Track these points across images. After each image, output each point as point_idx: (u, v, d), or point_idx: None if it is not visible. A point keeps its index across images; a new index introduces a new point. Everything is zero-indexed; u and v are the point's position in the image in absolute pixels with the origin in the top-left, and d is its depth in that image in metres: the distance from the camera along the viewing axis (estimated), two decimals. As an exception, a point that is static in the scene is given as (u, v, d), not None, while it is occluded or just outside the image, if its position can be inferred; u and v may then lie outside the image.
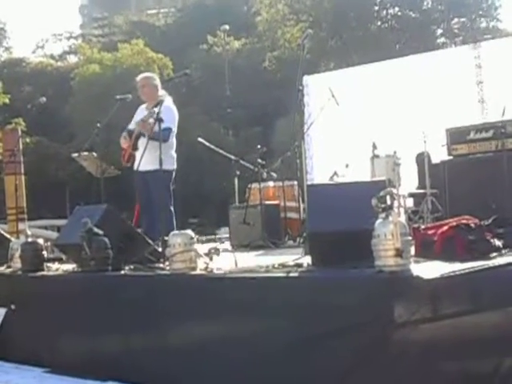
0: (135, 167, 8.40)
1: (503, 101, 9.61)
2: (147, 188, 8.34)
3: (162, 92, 8.62)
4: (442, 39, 41.36)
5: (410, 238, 4.60)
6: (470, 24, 39.43)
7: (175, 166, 8.40)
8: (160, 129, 7.35)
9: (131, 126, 8.64)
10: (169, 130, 7.93)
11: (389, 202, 4.55)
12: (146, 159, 7.63)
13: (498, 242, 5.40)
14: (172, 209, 8.17)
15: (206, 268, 5.66)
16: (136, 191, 8.72)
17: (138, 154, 8.40)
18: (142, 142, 8.32)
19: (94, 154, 8.66)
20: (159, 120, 7.33)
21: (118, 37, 50.92)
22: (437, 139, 9.50)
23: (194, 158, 27.43)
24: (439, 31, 41.70)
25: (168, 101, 8.35)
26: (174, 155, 8.38)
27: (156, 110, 7.64)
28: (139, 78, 8.79)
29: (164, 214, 7.46)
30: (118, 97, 8.58)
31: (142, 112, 8.62)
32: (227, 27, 37.89)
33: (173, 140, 8.29)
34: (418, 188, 10.56)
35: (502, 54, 13.44)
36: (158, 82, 8.78)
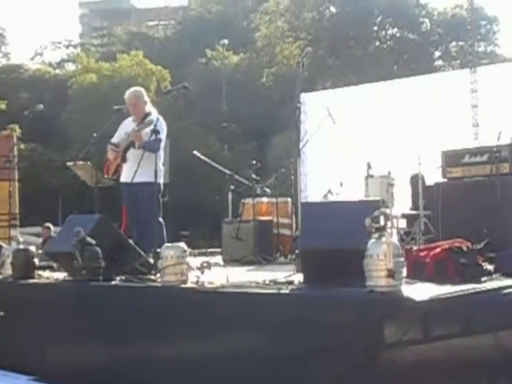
0: (123, 179, 8.42)
1: (498, 125, 9.66)
2: (135, 200, 8.34)
3: (149, 106, 8.68)
4: (440, 62, 41.59)
5: (403, 259, 4.61)
6: (467, 48, 39.62)
7: (162, 180, 8.32)
8: (156, 139, 7.40)
9: (115, 139, 8.62)
10: (160, 141, 7.91)
11: (382, 223, 4.56)
12: (134, 171, 7.64)
13: (489, 266, 5.42)
14: (161, 220, 8.15)
15: (197, 281, 5.66)
16: (124, 203, 8.70)
17: (125, 166, 8.43)
18: (131, 153, 8.34)
19: (89, 163, 8.65)
20: (156, 132, 7.38)
21: (117, 47, 51.04)
22: (432, 161, 9.52)
23: (188, 170, 27.43)
24: (437, 54, 41.93)
25: (154, 113, 8.41)
26: (162, 168, 8.31)
27: (152, 119, 7.68)
28: (128, 95, 8.75)
29: (155, 226, 7.46)
30: (115, 107, 8.61)
31: (128, 125, 8.64)
32: (226, 41, 38.03)
33: (161, 152, 8.21)
34: (412, 209, 10.56)
35: (498, 80, 13.51)
36: (146, 97, 8.79)
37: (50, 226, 15.07)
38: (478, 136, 13.53)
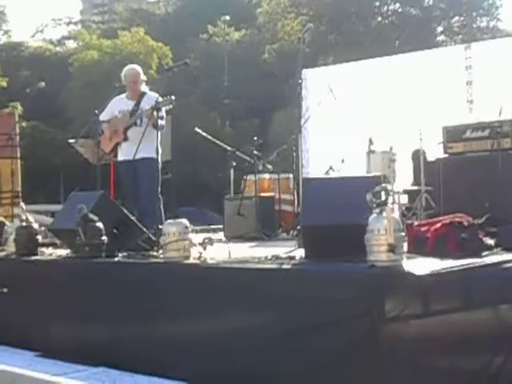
0: (122, 157, 8.45)
1: (493, 101, 9.65)
2: (136, 176, 8.37)
3: (144, 85, 8.72)
4: (442, 37, 41.38)
5: (404, 234, 4.63)
6: (470, 23, 39.45)
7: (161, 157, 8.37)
8: (163, 118, 7.49)
9: (105, 116, 8.62)
10: (163, 118, 7.97)
11: (383, 198, 4.58)
12: (136, 148, 7.67)
13: (490, 241, 5.44)
14: (160, 197, 8.18)
15: (200, 257, 5.69)
16: (122, 181, 8.71)
17: (125, 144, 8.45)
18: (132, 131, 8.37)
19: (91, 140, 8.67)
20: (158, 109, 7.43)
21: (118, 24, 50.86)
22: (433, 137, 9.53)
23: (190, 147, 27.41)
24: (439, 29, 41.71)
25: (150, 92, 8.47)
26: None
27: (160, 99, 7.72)
28: (128, 72, 8.76)
29: (157, 201, 7.50)
30: (116, 84, 8.63)
31: (121, 102, 8.66)
32: (228, 18, 37.97)
33: None
34: (413, 185, 10.57)
35: (494, 55, 13.46)
36: (142, 75, 8.81)
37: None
38: (473, 112, 13.49)
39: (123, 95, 8.75)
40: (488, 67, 13.12)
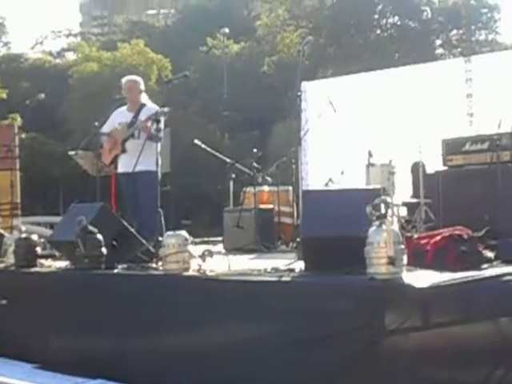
0: (121, 169, 8.45)
1: (493, 114, 9.67)
2: (135, 189, 8.36)
3: (144, 96, 8.70)
4: (441, 50, 41.47)
5: (403, 246, 4.63)
6: (468, 36, 39.55)
7: (161, 169, 8.35)
8: (161, 130, 7.48)
9: (106, 128, 8.62)
10: (161, 131, 7.94)
11: (383, 211, 4.59)
12: (135, 161, 7.68)
13: (489, 254, 5.44)
14: (160, 210, 8.17)
15: (199, 270, 5.69)
16: (122, 193, 8.71)
17: (124, 157, 8.45)
18: (130, 143, 8.38)
19: (91, 152, 8.67)
20: (158, 121, 7.44)
21: (118, 36, 50.97)
22: (432, 150, 9.54)
23: (189, 159, 27.39)
24: (438, 42, 41.80)
25: (151, 104, 8.45)
26: (159, 157, 8.34)
27: (158, 109, 7.73)
28: (125, 80, 8.79)
29: (156, 214, 7.49)
30: (117, 96, 8.63)
31: (121, 115, 8.67)
32: (227, 30, 37.92)
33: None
34: (412, 197, 10.58)
35: (493, 68, 13.49)
36: (142, 86, 8.80)
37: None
38: (473, 125, 13.52)
39: (124, 107, 8.76)
40: (488, 80, 13.15)
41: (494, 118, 8.97)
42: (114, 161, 8.63)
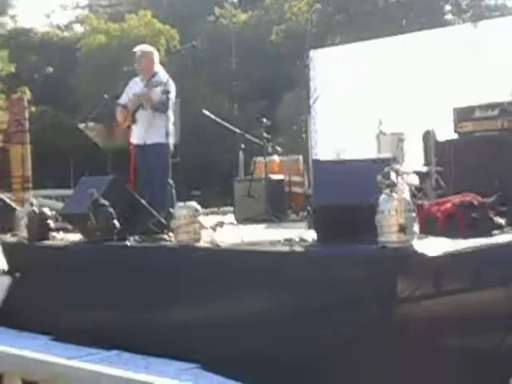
0: (133, 140, 8.43)
1: (500, 80, 9.63)
2: (146, 161, 8.35)
3: (158, 66, 8.64)
4: (450, 15, 41.11)
5: (414, 214, 4.63)
6: (478, 0, 39.16)
7: (173, 140, 8.35)
8: (166, 100, 7.44)
9: (122, 100, 8.58)
10: (169, 101, 7.87)
11: (393, 179, 4.58)
12: (145, 132, 7.67)
13: (500, 220, 5.44)
14: (171, 181, 8.16)
15: (211, 240, 5.71)
16: (136, 164, 8.70)
17: (135, 128, 8.42)
18: (140, 114, 8.33)
19: (101, 124, 8.66)
20: (166, 92, 7.42)
21: (125, 7, 50.68)
22: (443, 117, 9.51)
23: (198, 130, 27.37)
24: (447, 7, 41.43)
25: (164, 74, 8.38)
26: (172, 128, 8.33)
27: (160, 80, 7.71)
28: (137, 48, 8.73)
29: (167, 186, 7.50)
30: (125, 69, 8.60)
31: (135, 85, 8.62)
32: (234, -1, 37.82)
33: (170, 113, 8.12)
34: (424, 165, 10.57)
35: (501, 34, 13.40)
36: (155, 55, 8.73)
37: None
38: (481, 91, 13.47)
39: (138, 77, 8.70)
40: (495, 46, 13.06)
41: (502, 84, 8.93)
42: (127, 132, 8.59)
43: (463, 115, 8.98)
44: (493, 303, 4.38)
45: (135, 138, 8.46)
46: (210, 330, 5.22)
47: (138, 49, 8.70)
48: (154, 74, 8.50)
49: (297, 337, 4.71)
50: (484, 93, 12.84)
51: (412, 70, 13.55)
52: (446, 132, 9.43)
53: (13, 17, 55.13)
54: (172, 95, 8.12)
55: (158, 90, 7.95)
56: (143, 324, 5.77)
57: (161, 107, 7.75)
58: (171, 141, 8.08)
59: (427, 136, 10.20)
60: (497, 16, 29.91)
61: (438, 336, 4.27)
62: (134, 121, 8.44)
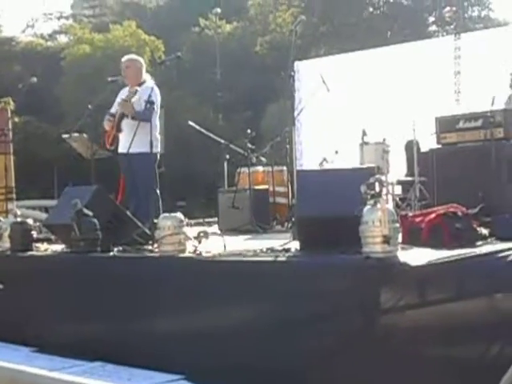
0: (119, 149, 8.41)
1: (485, 92, 9.67)
2: (132, 171, 8.32)
3: (146, 75, 8.62)
4: (434, 27, 41.37)
5: (398, 225, 4.64)
6: (461, 12, 39.44)
7: (159, 149, 8.33)
8: (148, 109, 7.45)
9: (113, 109, 8.58)
10: (152, 110, 7.83)
11: (377, 189, 4.59)
12: (129, 141, 7.66)
13: (484, 231, 5.46)
14: (158, 191, 8.14)
15: (195, 251, 5.70)
16: (122, 173, 8.68)
17: (121, 136, 8.40)
18: (125, 123, 8.31)
19: (85, 135, 8.64)
20: (150, 102, 7.43)
21: (109, 18, 50.62)
22: (425, 127, 9.54)
23: (183, 141, 27.38)
24: (431, 19, 41.69)
25: (150, 82, 8.36)
26: (158, 137, 8.29)
27: (138, 89, 7.72)
28: (123, 59, 8.72)
29: (151, 196, 7.47)
30: (109, 79, 8.59)
31: (123, 94, 8.61)
32: (219, 10, 37.84)
33: (156, 121, 8.16)
34: (407, 176, 10.60)
35: (483, 46, 13.48)
36: (142, 64, 8.71)
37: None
38: (460, 102, 13.53)
39: (128, 87, 8.68)
40: (477, 57, 13.15)
41: (484, 95, 8.97)
42: (114, 140, 8.55)
43: (446, 126, 9.00)
44: (476, 313, 4.38)
45: (120, 147, 8.43)
46: (195, 340, 5.21)
47: (124, 59, 8.69)
48: (141, 83, 8.48)
49: (280, 347, 4.71)
50: (461, 103, 12.95)
51: (395, 81, 13.62)
52: (429, 142, 9.45)
53: (-3, 27, 55.05)
54: (157, 104, 8.11)
55: (137, 98, 7.96)
56: (127, 335, 5.76)
57: (140, 116, 7.74)
58: (157, 150, 8.09)
59: (410, 146, 10.23)
60: (480, 28, 30.14)
61: (422, 346, 4.27)
62: (119, 130, 8.42)
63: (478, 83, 12.41)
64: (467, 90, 13.20)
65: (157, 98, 8.11)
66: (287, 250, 5.40)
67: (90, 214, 6.25)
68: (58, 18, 59.16)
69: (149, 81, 8.47)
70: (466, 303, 4.30)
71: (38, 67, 39.58)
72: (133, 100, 8.05)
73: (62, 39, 53.34)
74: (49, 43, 52.43)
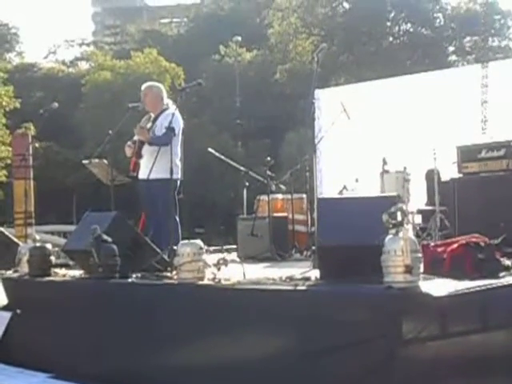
0: (140, 176, 8.41)
1: (508, 121, 9.61)
2: (152, 197, 8.31)
3: (167, 101, 8.64)
4: (454, 57, 41.39)
5: (420, 254, 4.59)
6: (481, 43, 39.46)
7: (179, 176, 8.33)
8: (166, 134, 7.51)
9: (136, 136, 8.61)
10: (170, 136, 7.83)
11: (399, 218, 4.55)
12: (150, 167, 7.66)
13: (507, 261, 5.40)
14: (177, 218, 8.12)
15: (214, 278, 5.66)
16: (141, 200, 8.67)
17: (142, 162, 8.41)
18: (145, 149, 8.32)
19: (105, 161, 8.65)
20: (170, 129, 7.45)
21: (130, 45, 51.10)
22: (447, 156, 9.49)
23: (202, 168, 27.47)
24: (451, 49, 41.72)
25: (171, 109, 8.36)
26: (179, 164, 8.30)
27: (152, 115, 7.75)
28: (142, 87, 8.76)
29: (170, 223, 7.44)
30: (130, 105, 8.60)
31: (146, 122, 8.63)
32: (239, 38, 38.07)
33: (177, 148, 8.21)
34: (427, 205, 10.53)
35: (509, 75, 13.41)
36: (161, 91, 8.71)
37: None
38: (486, 132, 13.44)
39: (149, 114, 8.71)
40: (504, 86, 13.07)
41: (509, 125, 8.90)
42: (136, 167, 8.56)
43: (467, 155, 8.94)
44: (499, 345, 4.33)
45: (141, 173, 8.43)
46: (213, 369, 5.16)
47: (143, 86, 8.72)
48: (163, 110, 8.49)
49: (300, 377, 4.65)
50: (487, 132, 12.86)
51: (416, 109, 13.54)
52: (450, 171, 9.39)
53: (20, 53, 55.68)
54: (178, 130, 8.12)
55: (157, 125, 8.03)
56: (144, 363, 5.71)
57: (157, 141, 7.77)
58: (177, 176, 8.09)
59: (431, 175, 10.17)
60: (500, 58, 30.09)
61: (443, 378, 4.21)
62: (139, 156, 8.43)
63: (505, 112, 12.32)
64: (494, 119, 13.10)
65: (178, 124, 8.12)
66: (307, 279, 5.35)
67: (109, 239, 6.23)
68: (80, 45, 59.89)
69: (171, 107, 8.47)
70: (488, 335, 4.25)
71: (59, 93, 39.95)
72: (148, 126, 8.08)
73: (83, 66, 53.90)
74: (70, 69, 52.98)
